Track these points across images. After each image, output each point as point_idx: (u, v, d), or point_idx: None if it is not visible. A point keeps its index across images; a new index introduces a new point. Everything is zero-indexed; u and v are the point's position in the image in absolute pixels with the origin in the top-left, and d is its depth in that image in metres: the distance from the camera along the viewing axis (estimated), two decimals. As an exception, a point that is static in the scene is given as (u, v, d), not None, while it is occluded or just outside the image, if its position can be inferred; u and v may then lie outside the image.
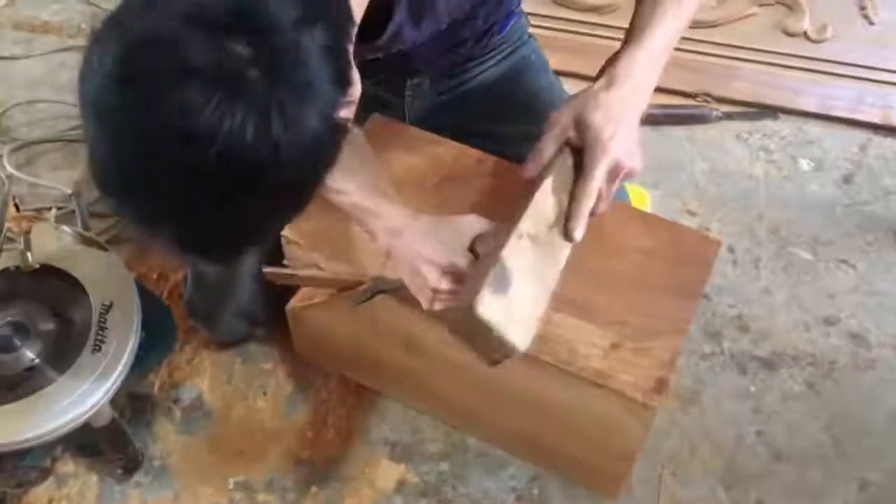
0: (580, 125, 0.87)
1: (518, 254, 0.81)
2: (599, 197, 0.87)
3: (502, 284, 0.78)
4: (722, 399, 1.25)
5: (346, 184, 0.95)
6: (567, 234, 0.86)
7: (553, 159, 0.89)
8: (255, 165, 0.57)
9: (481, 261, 0.85)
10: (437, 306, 0.89)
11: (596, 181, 0.86)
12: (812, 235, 1.45)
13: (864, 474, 1.17)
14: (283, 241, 1.08)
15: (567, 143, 0.89)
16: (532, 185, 0.88)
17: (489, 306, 0.77)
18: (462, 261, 0.87)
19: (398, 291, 0.97)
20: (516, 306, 0.79)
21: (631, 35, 0.93)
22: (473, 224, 0.89)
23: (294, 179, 0.61)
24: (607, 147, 0.85)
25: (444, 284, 0.87)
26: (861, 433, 1.22)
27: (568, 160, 0.89)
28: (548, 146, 0.90)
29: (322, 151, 0.62)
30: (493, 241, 0.86)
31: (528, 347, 0.79)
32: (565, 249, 0.87)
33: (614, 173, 0.87)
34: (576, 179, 0.87)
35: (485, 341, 0.79)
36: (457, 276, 0.87)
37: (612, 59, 0.92)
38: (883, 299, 1.37)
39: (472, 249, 0.87)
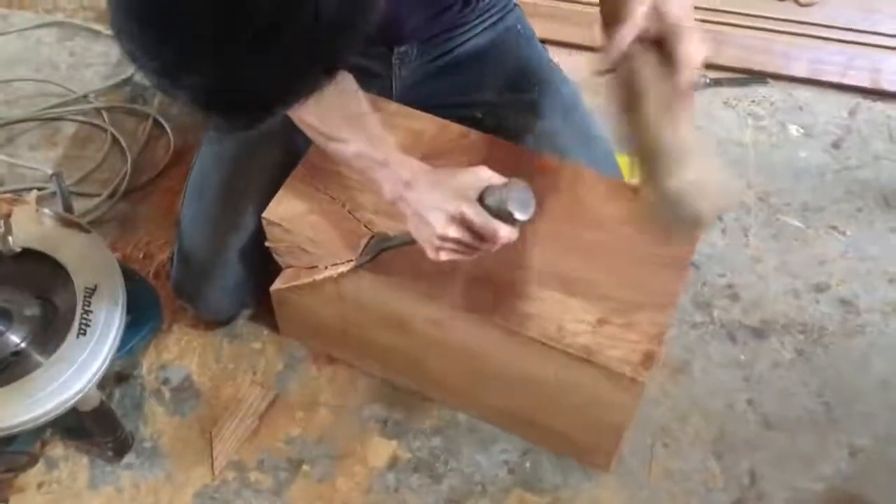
0: (661, 15, 0.83)
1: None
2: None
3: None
4: (712, 368, 1.25)
5: (346, 131, 0.96)
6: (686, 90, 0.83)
7: (634, 52, 0.85)
8: None
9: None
10: (443, 256, 0.90)
11: (695, 55, 0.82)
12: (801, 202, 1.44)
13: (854, 440, 1.18)
14: (264, 222, 1.07)
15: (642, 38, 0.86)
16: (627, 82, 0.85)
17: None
18: (471, 209, 0.87)
19: (403, 246, 0.97)
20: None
21: None
22: (482, 175, 0.89)
23: (334, 19, 0.59)
24: (692, 34, 0.82)
25: (452, 232, 0.87)
26: (851, 399, 1.22)
27: (650, 55, 0.85)
28: (629, 32, 0.84)
29: None
30: (503, 191, 0.86)
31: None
32: None
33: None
34: (674, 60, 0.83)
35: (684, 215, 0.79)
36: (465, 223, 0.87)
37: None
38: (872, 265, 1.37)
39: (480, 200, 0.87)
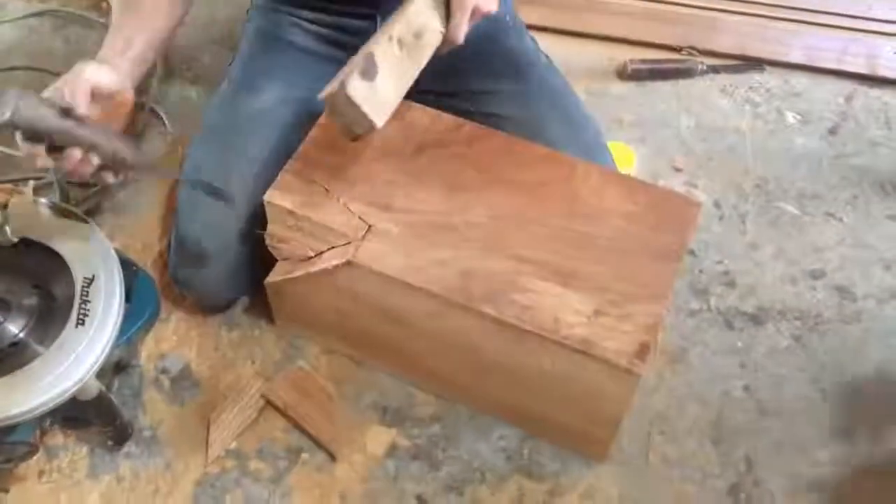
0: None
1: (385, 52, 1.01)
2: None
3: (370, 73, 0.99)
4: (709, 355, 1.25)
5: None
6: (452, 41, 1.06)
7: None
8: None
9: (356, 54, 1.02)
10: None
11: (465, 20, 1.04)
12: (798, 189, 1.44)
13: (850, 426, 1.18)
14: (266, 206, 1.07)
15: None
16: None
17: (357, 88, 0.98)
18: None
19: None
20: (379, 92, 1.01)
21: None
22: None
23: None
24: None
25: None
26: (847, 385, 1.22)
27: None
28: None
29: None
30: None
31: (382, 125, 1.01)
32: (423, 60, 1.07)
33: (473, 16, 1.05)
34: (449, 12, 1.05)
35: (351, 117, 1.00)
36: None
37: None
38: (868, 252, 1.37)
39: None
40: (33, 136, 0.91)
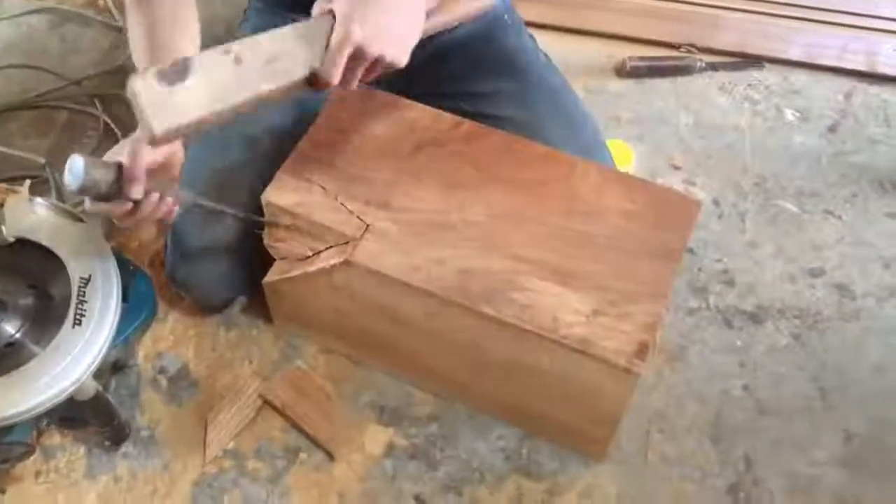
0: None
1: (212, 61, 0.87)
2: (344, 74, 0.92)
3: (176, 76, 0.85)
4: (708, 354, 1.25)
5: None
6: (325, 79, 0.92)
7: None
8: None
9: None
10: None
11: (341, 58, 0.90)
12: (797, 187, 1.44)
13: (849, 425, 1.18)
14: (264, 204, 1.07)
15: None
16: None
17: (146, 86, 0.83)
18: None
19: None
20: (176, 99, 0.85)
21: None
22: None
23: None
24: (350, 30, 0.89)
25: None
26: (846, 384, 1.22)
27: (326, 23, 0.91)
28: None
29: None
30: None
31: (162, 135, 0.85)
32: (265, 86, 0.90)
33: (359, 58, 0.91)
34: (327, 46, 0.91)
35: (137, 115, 0.85)
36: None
37: None
38: (868, 250, 1.37)
39: None
40: (101, 197, 0.93)
